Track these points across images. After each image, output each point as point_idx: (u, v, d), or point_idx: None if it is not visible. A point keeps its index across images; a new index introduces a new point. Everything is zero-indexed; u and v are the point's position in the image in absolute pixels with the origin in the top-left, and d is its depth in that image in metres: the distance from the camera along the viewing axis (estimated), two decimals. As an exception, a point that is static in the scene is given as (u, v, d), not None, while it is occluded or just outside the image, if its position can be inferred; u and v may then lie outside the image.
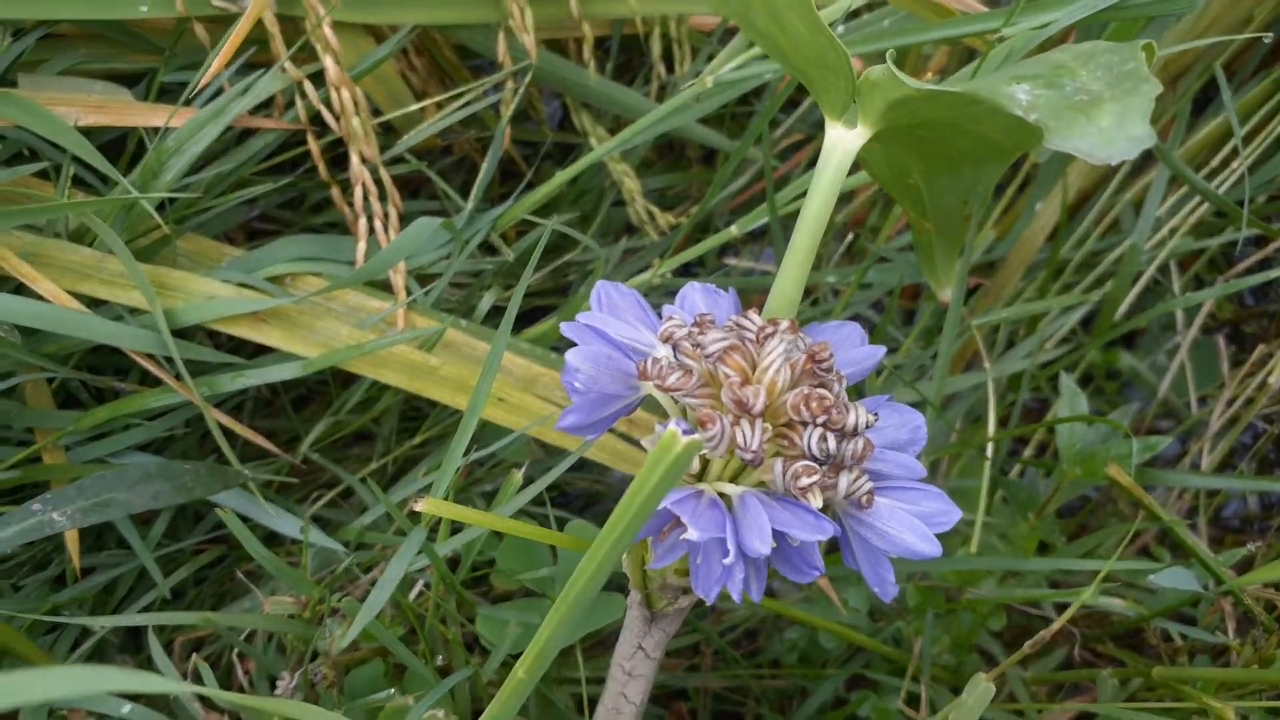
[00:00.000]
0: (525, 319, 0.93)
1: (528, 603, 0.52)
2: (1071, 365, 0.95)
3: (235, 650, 0.54)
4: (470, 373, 0.61)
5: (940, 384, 0.55)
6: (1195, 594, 0.51)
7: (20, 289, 0.58)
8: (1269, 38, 0.61)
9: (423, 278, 0.69)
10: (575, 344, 0.38)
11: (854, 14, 0.76)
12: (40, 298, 0.56)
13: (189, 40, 0.69)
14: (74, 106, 0.61)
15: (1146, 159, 0.88)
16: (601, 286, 0.42)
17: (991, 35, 0.55)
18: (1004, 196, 0.86)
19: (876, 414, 0.37)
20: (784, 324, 0.38)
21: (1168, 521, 0.51)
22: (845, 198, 0.87)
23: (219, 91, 0.65)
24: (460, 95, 0.74)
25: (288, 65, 0.65)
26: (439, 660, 0.50)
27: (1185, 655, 0.62)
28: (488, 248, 0.75)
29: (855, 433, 0.37)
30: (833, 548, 0.41)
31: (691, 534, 0.34)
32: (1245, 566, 0.67)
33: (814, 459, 0.36)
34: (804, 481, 0.35)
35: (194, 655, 0.48)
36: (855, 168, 0.62)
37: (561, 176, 0.68)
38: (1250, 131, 0.89)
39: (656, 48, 0.83)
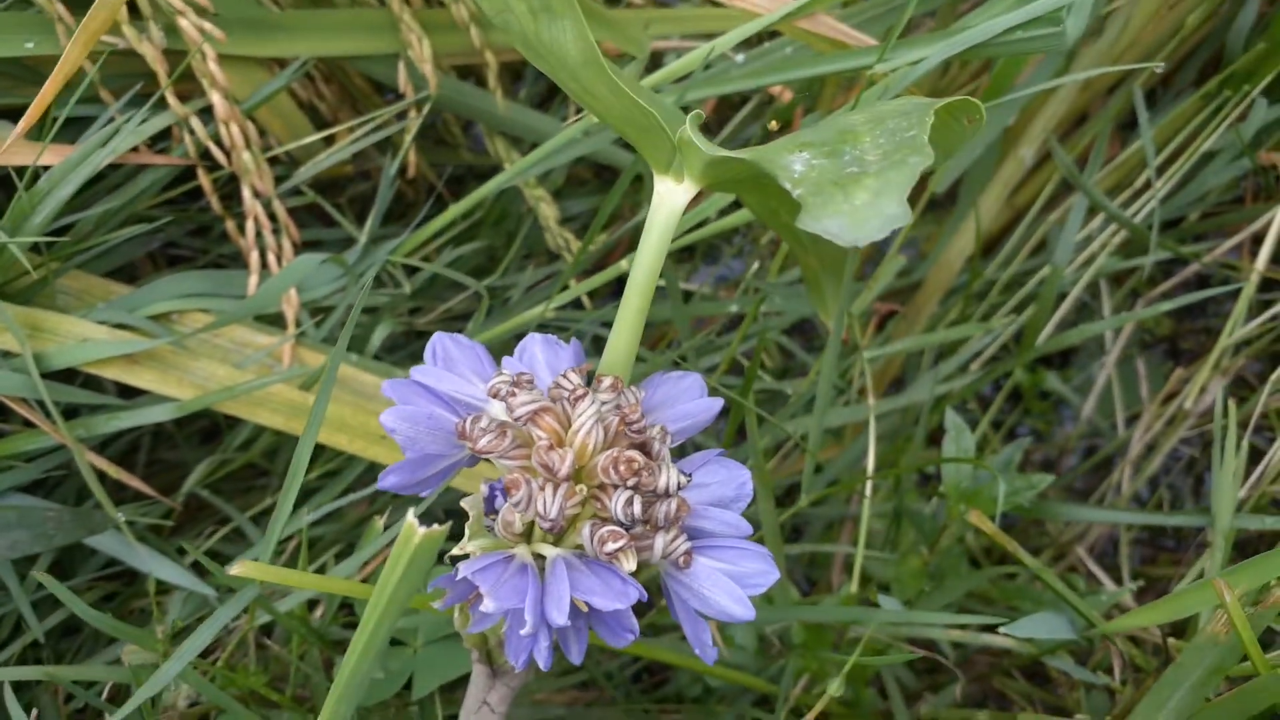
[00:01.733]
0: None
1: (391, 651, 0.51)
2: (998, 385, 0.94)
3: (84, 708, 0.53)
4: (353, 410, 0.60)
5: (820, 415, 0.55)
6: (1069, 639, 0.50)
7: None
8: (1160, 67, 0.60)
9: (318, 311, 0.68)
10: (396, 401, 0.38)
11: (772, 35, 0.76)
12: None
13: (83, 75, 0.68)
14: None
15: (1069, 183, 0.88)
16: (438, 339, 0.41)
17: (867, 71, 0.54)
18: (917, 221, 0.86)
19: (689, 475, 0.37)
20: (606, 382, 0.37)
21: (1033, 567, 0.50)
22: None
23: (109, 127, 0.65)
24: (366, 123, 0.73)
25: (172, 100, 0.64)
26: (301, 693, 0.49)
27: (1083, 690, 0.62)
28: (397, 278, 0.74)
29: (669, 494, 0.36)
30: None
31: (487, 605, 0.33)
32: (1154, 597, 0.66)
33: (621, 523, 0.35)
34: (609, 547, 0.34)
35: (33, 711, 0.47)
36: (737, 204, 0.62)
37: (454, 209, 0.67)
38: (1189, 137, 0.88)
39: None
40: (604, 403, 0.37)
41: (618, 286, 0.92)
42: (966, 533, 0.78)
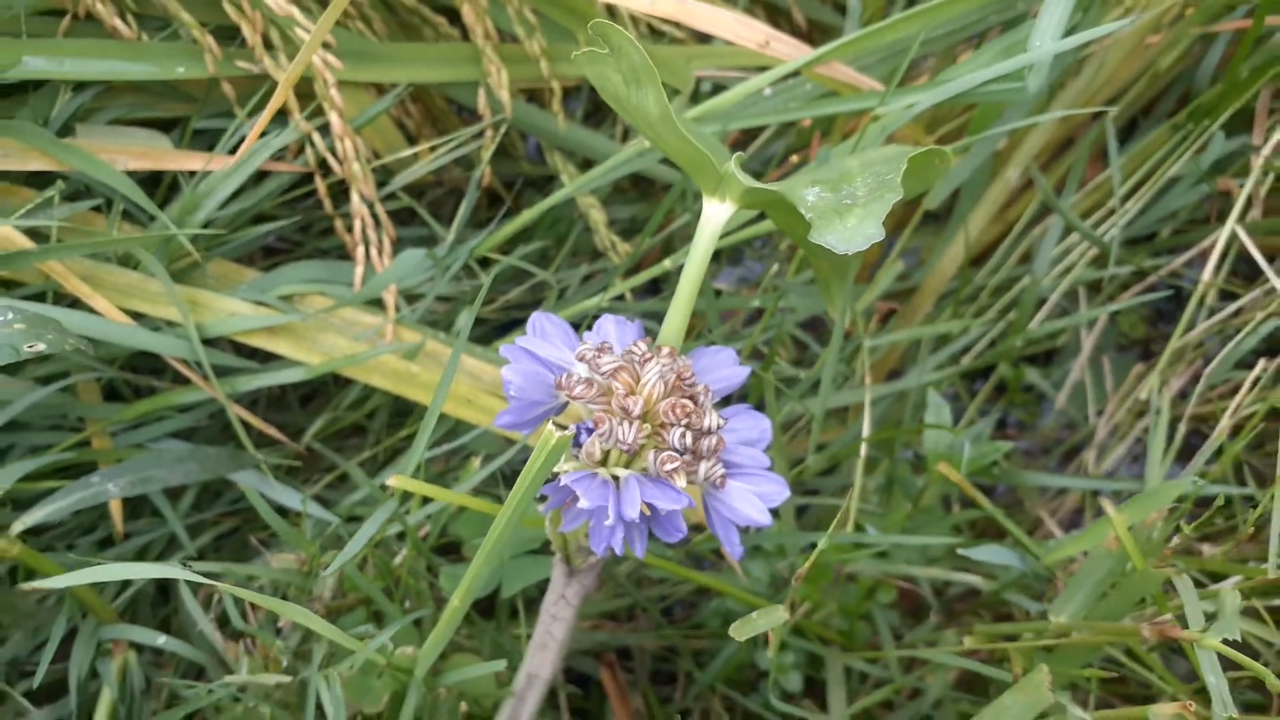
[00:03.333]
0: (506, 328, 1.06)
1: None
2: (984, 378, 1.08)
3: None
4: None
5: (825, 396, 0.68)
6: (1018, 569, 0.63)
7: (77, 304, 0.72)
8: (1114, 111, 0.73)
9: (411, 297, 0.82)
10: (510, 362, 0.51)
11: (794, 74, 0.89)
12: (95, 312, 0.70)
13: (217, 93, 0.82)
14: (122, 153, 0.74)
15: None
16: (536, 317, 0.55)
17: (870, 112, 0.68)
18: (906, 233, 0.99)
19: (726, 419, 0.50)
20: (665, 350, 0.51)
21: (989, 510, 0.63)
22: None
23: (241, 136, 0.79)
24: (449, 141, 0.87)
25: (300, 120, 0.78)
26: (409, 606, 0.63)
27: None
28: (472, 270, 0.88)
29: (710, 431, 0.49)
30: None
31: (582, 503, 0.46)
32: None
33: (676, 451, 0.48)
34: (668, 467, 0.48)
35: (214, 597, 0.61)
36: (759, 218, 0.75)
37: (526, 215, 0.81)
38: (1158, 163, 1.01)
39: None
40: (664, 365, 0.50)
41: (653, 284, 1.06)
42: (953, 502, 0.91)
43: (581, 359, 0.52)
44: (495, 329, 1.04)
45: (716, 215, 0.52)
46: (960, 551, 0.61)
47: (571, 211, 1.02)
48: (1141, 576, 0.48)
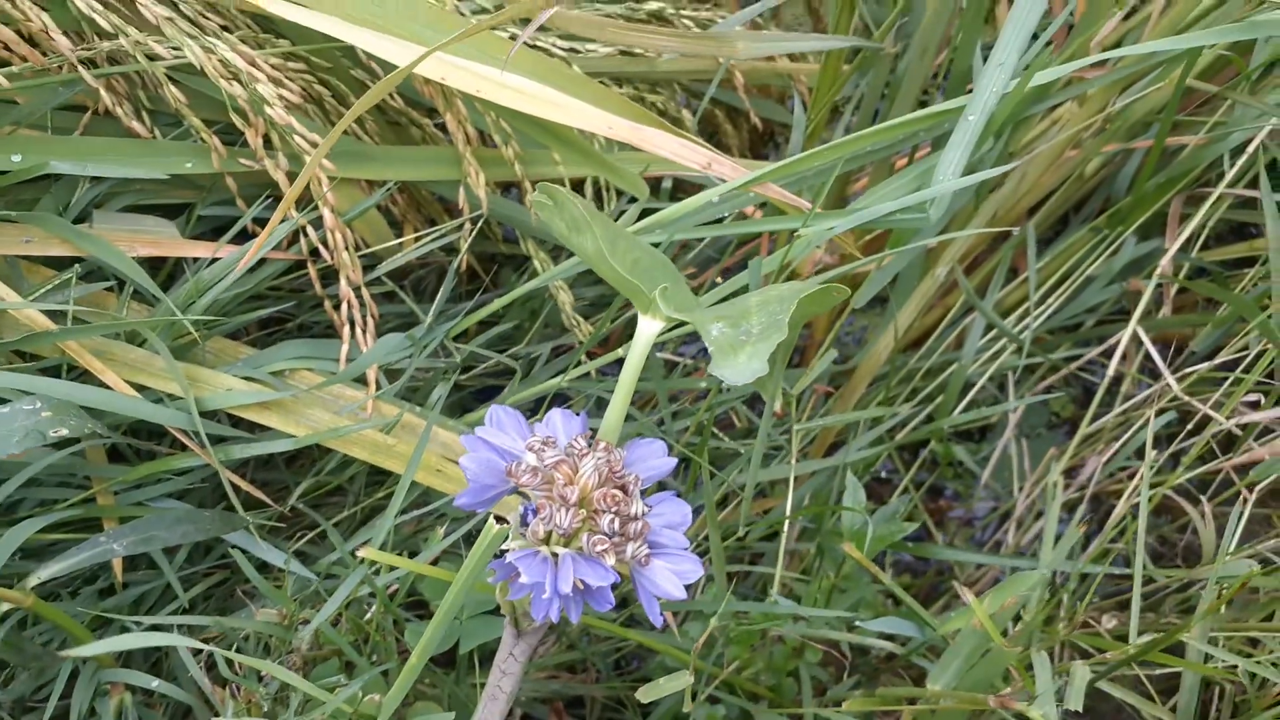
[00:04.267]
0: (482, 395, 1.15)
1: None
2: (918, 452, 1.17)
3: (234, 646, 0.75)
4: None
5: (754, 474, 0.77)
6: (917, 638, 0.72)
7: (86, 374, 0.80)
8: (1016, 230, 0.82)
9: (391, 372, 0.91)
10: (468, 450, 0.60)
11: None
12: (105, 385, 0.78)
13: (221, 183, 0.91)
14: (135, 241, 0.83)
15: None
16: (494, 410, 0.63)
17: (796, 233, 0.77)
18: (837, 325, 1.08)
19: (651, 506, 0.59)
20: (601, 445, 0.60)
21: (887, 583, 0.72)
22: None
23: (243, 228, 0.88)
24: (432, 233, 0.96)
25: (296, 214, 0.87)
26: (377, 660, 0.71)
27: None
28: (446, 347, 0.97)
29: (637, 517, 0.58)
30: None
31: (523, 578, 0.55)
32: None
33: (606, 534, 0.57)
34: (599, 548, 0.57)
35: (207, 644, 0.69)
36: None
37: (501, 301, 0.90)
38: (1080, 261, 1.11)
39: (589, 192, 1.05)
40: (599, 459, 0.59)
41: (617, 362, 1.15)
42: (885, 571, 1.00)
43: (530, 449, 0.60)
44: (472, 394, 1.13)
45: (648, 329, 0.61)
46: (858, 624, 0.70)
47: (543, 290, 1.11)
48: (998, 653, 0.57)
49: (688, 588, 0.59)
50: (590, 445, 0.61)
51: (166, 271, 0.92)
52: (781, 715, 0.77)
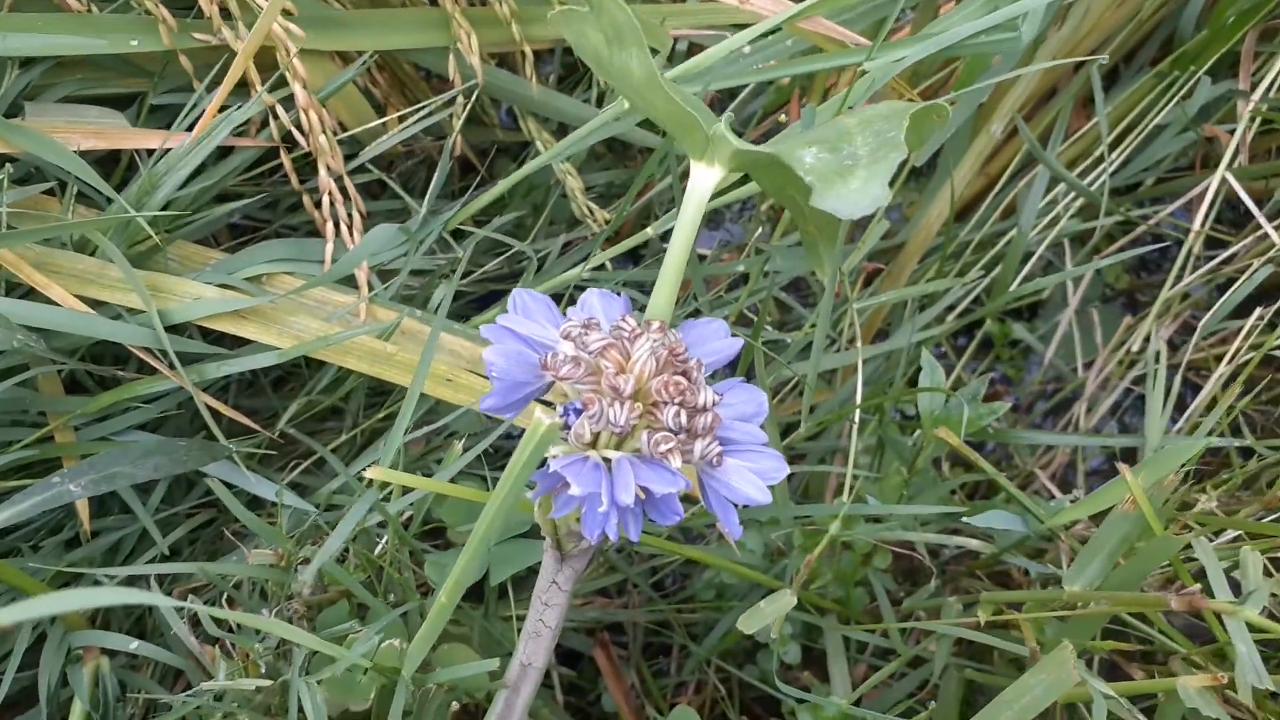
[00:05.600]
0: (484, 301, 1.03)
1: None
2: (970, 335, 1.06)
3: (224, 595, 0.64)
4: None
5: (817, 360, 0.66)
6: (1020, 532, 0.62)
7: (32, 293, 0.68)
8: (1104, 59, 0.70)
9: (384, 273, 0.79)
10: (492, 343, 0.49)
11: (773, 30, 0.86)
12: (51, 301, 0.66)
13: (174, 67, 0.78)
14: (75, 133, 0.71)
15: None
16: (517, 293, 0.52)
17: (858, 68, 0.65)
18: (892, 190, 0.96)
19: (721, 394, 0.48)
20: (655, 325, 0.48)
21: (992, 474, 0.61)
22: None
23: (201, 112, 0.75)
24: (418, 110, 0.84)
25: (263, 93, 0.74)
26: (394, 599, 0.61)
27: (1040, 585, 0.74)
28: (446, 243, 0.85)
29: (705, 409, 0.47)
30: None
31: (574, 490, 0.44)
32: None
33: (670, 430, 0.46)
34: (662, 447, 0.46)
35: (190, 596, 0.58)
36: (745, 179, 0.73)
37: (502, 185, 0.78)
38: (1143, 112, 0.99)
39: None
40: (655, 340, 0.47)
41: (633, 251, 1.03)
42: (943, 462, 0.90)
43: (567, 336, 0.49)
44: (473, 303, 1.01)
45: (705, 180, 0.49)
46: (966, 519, 0.59)
47: (548, 179, 0.99)
48: (1161, 543, 0.47)
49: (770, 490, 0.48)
50: (641, 326, 0.49)
51: (120, 173, 0.79)
52: (857, 629, 0.67)
